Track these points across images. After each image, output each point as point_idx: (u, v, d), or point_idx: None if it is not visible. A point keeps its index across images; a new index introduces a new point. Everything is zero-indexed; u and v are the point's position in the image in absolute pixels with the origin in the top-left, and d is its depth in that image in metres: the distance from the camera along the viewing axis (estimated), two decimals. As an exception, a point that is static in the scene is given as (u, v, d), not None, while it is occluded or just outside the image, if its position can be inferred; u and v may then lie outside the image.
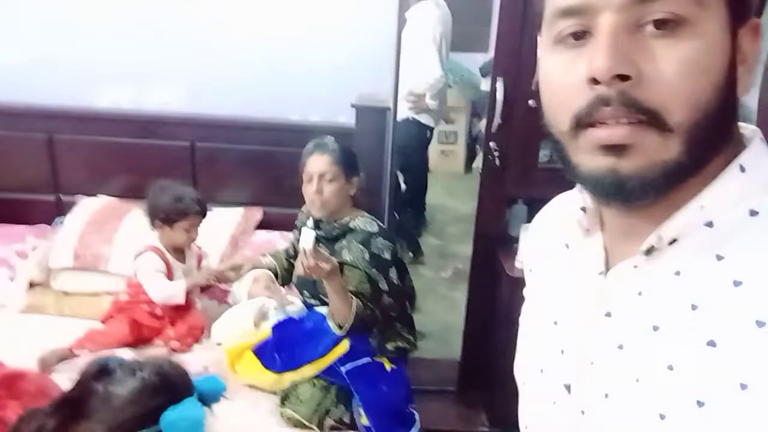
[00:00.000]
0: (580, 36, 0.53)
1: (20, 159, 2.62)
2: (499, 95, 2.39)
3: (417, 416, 1.90)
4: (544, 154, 2.56)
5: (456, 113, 5.22)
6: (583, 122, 0.53)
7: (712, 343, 0.51)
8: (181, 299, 2.07)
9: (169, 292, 2.09)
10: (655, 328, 0.55)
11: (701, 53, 0.50)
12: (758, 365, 0.48)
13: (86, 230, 2.41)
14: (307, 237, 1.73)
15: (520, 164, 2.49)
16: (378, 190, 2.58)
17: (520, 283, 0.82)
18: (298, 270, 1.78)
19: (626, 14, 0.50)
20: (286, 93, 2.61)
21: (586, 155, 0.54)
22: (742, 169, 0.54)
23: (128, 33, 2.56)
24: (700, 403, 0.51)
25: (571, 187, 0.67)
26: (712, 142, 0.53)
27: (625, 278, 0.59)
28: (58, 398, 1.04)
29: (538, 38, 0.60)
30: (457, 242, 4.23)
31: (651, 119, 0.51)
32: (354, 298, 1.83)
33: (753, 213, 0.53)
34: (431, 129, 3.85)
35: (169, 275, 2.12)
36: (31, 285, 2.41)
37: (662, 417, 0.53)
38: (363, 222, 1.99)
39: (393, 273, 1.95)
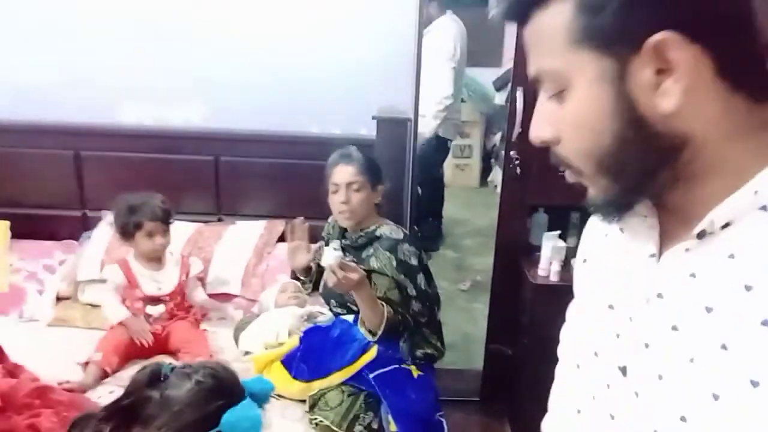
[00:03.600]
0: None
1: (48, 176, 2.67)
2: (519, 104, 2.42)
3: (445, 424, 1.90)
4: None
5: (470, 128, 5.26)
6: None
7: (766, 323, 0.51)
8: (112, 323, 2.14)
9: (107, 313, 2.17)
10: (709, 310, 0.56)
11: (581, 109, 0.58)
12: None
13: (113, 243, 2.45)
14: (330, 255, 1.76)
15: (541, 172, 2.50)
16: (399, 200, 2.60)
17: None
18: (328, 283, 1.80)
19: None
20: (306, 106, 2.64)
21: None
22: None
23: (151, 51, 2.61)
24: (754, 383, 0.51)
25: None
26: (643, 166, 0.58)
27: (677, 261, 0.60)
28: (110, 405, 1.02)
29: None
30: (475, 255, 4.23)
31: (575, 169, 0.62)
32: (384, 305, 1.85)
33: None
34: (449, 141, 3.89)
35: (132, 286, 2.17)
36: (59, 299, 2.44)
37: (716, 397, 0.54)
38: (389, 229, 2.01)
39: (421, 278, 1.97)
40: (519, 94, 2.42)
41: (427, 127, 3.58)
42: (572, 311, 0.83)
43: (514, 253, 2.58)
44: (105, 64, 2.62)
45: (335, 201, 1.99)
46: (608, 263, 0.72)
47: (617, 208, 0.62)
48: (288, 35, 2.60)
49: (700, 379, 0.56)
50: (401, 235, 2.00)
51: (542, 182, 2.50)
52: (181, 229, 2.50)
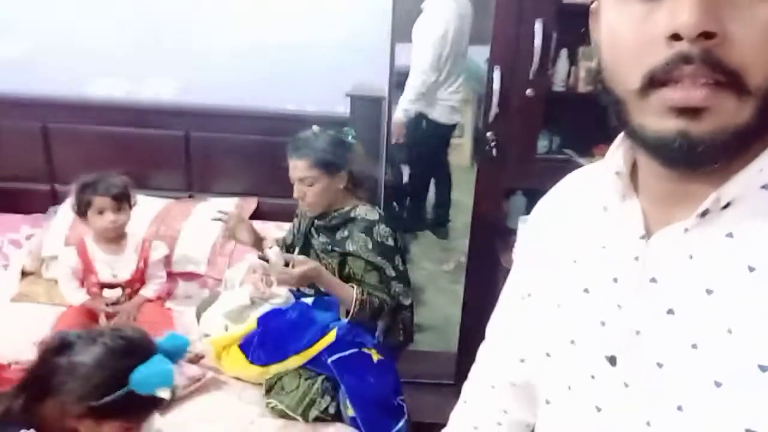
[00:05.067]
0: None
1: (15, 149, 2.62)
2: (496, 84, 2.35)
3: (405, 408, 1.86)
4: (543, 145, 2.52)
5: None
6: (657, 80, 0.50)
7: None
8: (72, 304, 2.13)
9: (65, 295, 2.15)
10: (709, 292, 0.53)
11: None
12: None
13: (77, 219, 2.40)
14: (271, 259, 1.80)
15: (518, 155, 2.44)
16: (374, 179, 2.55)
17: None
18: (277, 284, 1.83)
19: None
20: (281, 82, 2.58)
21: (655, 116, 0.51)
22: None
23: (122, 22, 2.55)
24: (762, 368, 0.49)
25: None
26: None
27: (673, 242, 0.56)
28: (21, 379, 1.04)
29: None
30: (461, 236, 4.18)
31: (731, 81, 0.48)
32: (356, 286, 1.85)
33: None
34: (442, 125, 3.73)
35: (89, 269, 2.14)
36: (24, 274, 2.41)
37: (718, 384, 0.51)
38: (364, 210, 1.97)
39: (399, 260, 1.94)
40: (496, 74, 2.35)
41: (404, 107, 3.49)
42: (511, 295, 0.81)
43: (490, 236, 2.53)
44: (75, 35, 2.55)
45: (295, 192, 1.95)
46: (580, 245, 0.67)
47: (738, 144, 0.51)
48: (263, 10, 2.53)
49: (701, 365, 0.53)
50: (377, 216, 1.96)
51: (520, 165, 2.45)
52: (150, 206, 2.47)
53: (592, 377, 0.63)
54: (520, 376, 0.81)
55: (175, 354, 1.03)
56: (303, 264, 1.81)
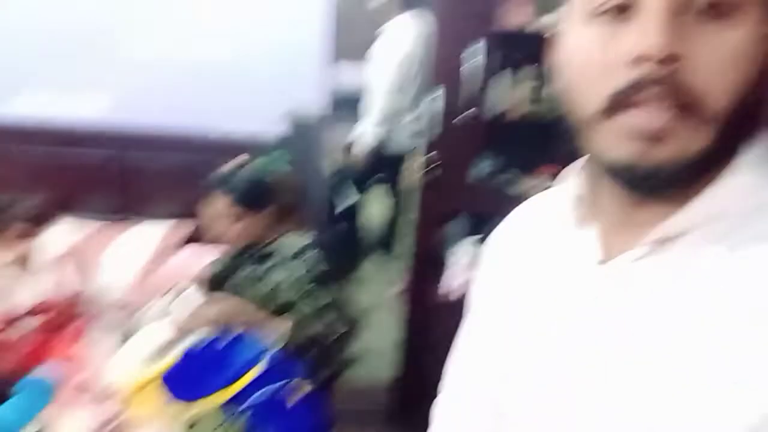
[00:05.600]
0: (622, 11, 0.50)
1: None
2: (439, 104, 2.32)
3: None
4: (484, 167, 2.49)
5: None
6: (620, 103, 0.50)
7: (727, 334, 0.49)
8: None
9: None
10: (665, 319, 0.53)
11: (746, 44, 0.49)
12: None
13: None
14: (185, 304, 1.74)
15: (459, 176, 2.40)
16: (312, 201, 2.49)
17: (450, 303, 0.78)
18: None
19: None
20: (217, 102, 2.53)
21: (617, 139, 0.51)
22: (752, 163, 0.53)
23: (49, 37, 2.46)
24: (712, 397, 0.49)
25: (511, 200, 0.69)
26: (741, 132, 0.52)
27: (626, 270, 0.56)
28: None
29: (565, 11, 0.57)
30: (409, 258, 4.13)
31: (693, 106, 0.49)
32: (287, 318, 1.76)
33: (762, 206, 0.52)
34: (402, 149, 3.63)
35: None
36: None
37: (667, 411, 0.51)
38: (293, 238, 1.89)
39: (331, 285, 1.87)
40: (438, 96, 2.31)
41: (368, 130, 3.41)
42: (473, 322, 0.78)
43: (432, 259, 2.48)
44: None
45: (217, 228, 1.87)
46: (535, 271, 0.66)
47: (698, 169, 0.51)
48: (198, 29, 2.47)
49: (658, 391, 0.53)
50: (306, 242, 1.89)
51: (460, 188, 2.42)
52: (77, 230, 2.35)
53: (548, 402, 0.62)
54: (486, 401, 0.78)
55: (37, 393, 0.94)
56: (219, 302, 1.73)
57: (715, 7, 0.48)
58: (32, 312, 2.03)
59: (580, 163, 0.63)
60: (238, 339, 1.80)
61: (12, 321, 2.00)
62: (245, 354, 1.76)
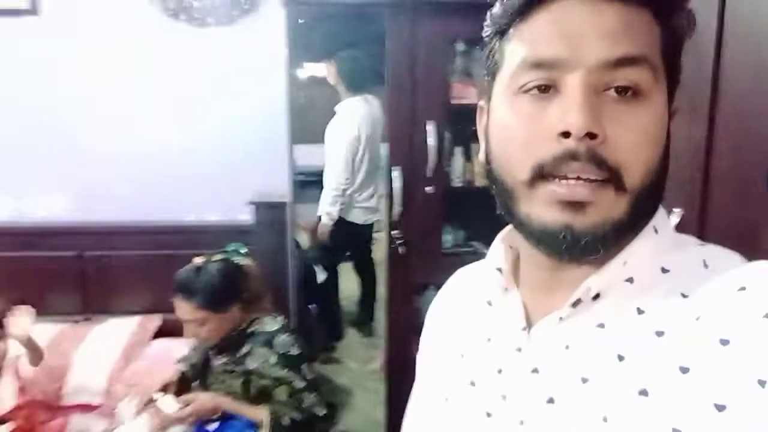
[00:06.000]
0: (545, 90, 0.54)
1: None
2: (397, 184, 2.38)
3: None
4: (447, 239, 2.55)
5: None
6: (545, 173, 0.53)
7: (643, 393, 0.51)
8: None
9: None
10: (584, 380, 0.55)
11: (655, 124, 0.54)
12: (688, 411, 0.49)
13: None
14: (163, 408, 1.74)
15: (424, 250, 2.45)
16: (282, 284, 2.49)
17: None
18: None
19: (595, 76, 0.52)
20: (180, 194, 2.53)
21: (542, 207, 0.54)
22: (655, 230, 0.58)
23: (7, 138, 2.46)
24: None
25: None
26: (652, 203, 0.57)
27: (550, 332, 0.59)
28: None
29: (492, 87, 0.61)
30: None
31: (611, 178, 0.52)
32: (265, 406, 1.75)
33: (664, 270, 0.56)
34: (360, 225, 3.70)
35: None
36: None
37: None
38: (263, 323, 1.89)
39: (305, 368, 1.85)
40: (396, 174, 2.39)
41: (325, 210, 3.46)
42: (415, 393, 0.78)
43: (406, 332, 2.48)
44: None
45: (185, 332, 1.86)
46: (467, 340, 0.68)
47: (616, 236, 0.54)
48: (158, 121, 2.51)
49: None
50: (277, 326, 1.88)
51: (427, 261, 2.46)
52: (42, 332, 2.28)
53: None
54: None
55: None
56: (194, 400, 1.72)
57: (627, 91, 0.53)
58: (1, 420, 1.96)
59: (498, 237, 0.66)
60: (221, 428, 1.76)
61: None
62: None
